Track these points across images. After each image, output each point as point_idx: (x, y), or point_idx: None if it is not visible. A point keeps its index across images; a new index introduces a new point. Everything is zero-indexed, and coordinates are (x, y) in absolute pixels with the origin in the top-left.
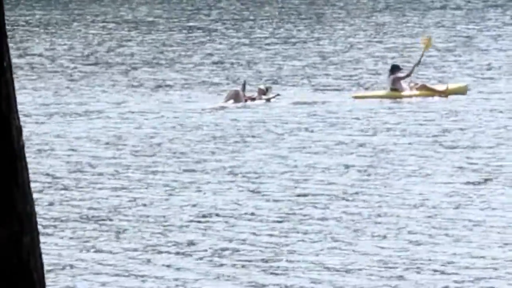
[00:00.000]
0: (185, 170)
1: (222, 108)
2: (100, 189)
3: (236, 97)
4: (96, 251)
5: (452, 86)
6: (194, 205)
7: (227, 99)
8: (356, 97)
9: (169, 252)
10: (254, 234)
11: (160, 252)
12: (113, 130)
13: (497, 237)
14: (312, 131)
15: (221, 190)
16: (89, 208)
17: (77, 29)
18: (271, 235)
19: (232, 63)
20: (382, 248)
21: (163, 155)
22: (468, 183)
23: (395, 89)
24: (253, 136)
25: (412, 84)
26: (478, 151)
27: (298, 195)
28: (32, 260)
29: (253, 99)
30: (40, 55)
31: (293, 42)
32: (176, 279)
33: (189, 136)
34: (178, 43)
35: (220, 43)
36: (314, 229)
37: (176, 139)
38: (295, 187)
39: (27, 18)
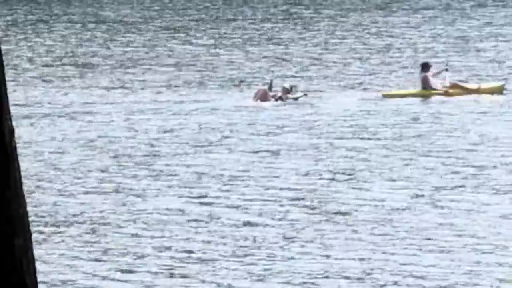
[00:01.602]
0: (156, 174)
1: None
2: (71, 193)
3: (263, 96)
4: (69, 255)
5: (486, 85)
6: (167, 209)
7: (256, 99)
8: (386, 96)
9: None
10: (225, 237)
11: (130, 256)
12: (92, 132)
13: (475, 242)
14: (288, 134)
15: (195, 194)
16: (61, 212)
17: (53, 29)
18: (243, 240)
19: (211, 64)
20: (355, 254)
21: (142, 158)
22: (447, 188)
23: (426, 87)
24: (227, 138)
25: (444, 82)
26: (460, 155)
27: (270, 200)
28: (25, 262)
29: (280, 98)
30: (18, 56)
31: (278, 42)
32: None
33: (171, 138)
34: (158, 44)
35: (199, 44)
36: (285, 234)
37: (151, 142)
38: (267, 192)
39: (4, 18)
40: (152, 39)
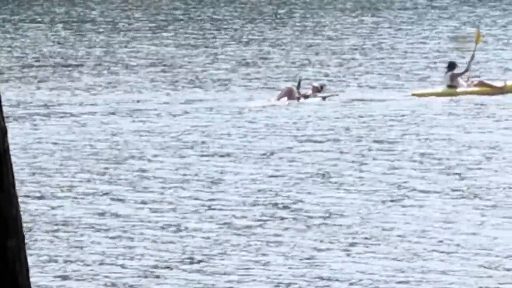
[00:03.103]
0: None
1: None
2: (48, 197)
3: (289, 94)
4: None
5: (510, 82)
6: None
7: (281, 96)
8: (415, 95)
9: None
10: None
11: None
12: (70, 134)
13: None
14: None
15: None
16: (43, 216)
17: (30, 29)
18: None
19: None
20: (323, 259)
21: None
22: (422, 193)
23: (452, 86)
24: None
25: (469, 82)
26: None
27: (239, 204)
28: (18, 263)
29: (307, 96)
30: None
31: (259, 43)
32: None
33: (149, 140)
34: (137, 44)
35: (178, 44)
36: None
37: (127, 144)
38: (238, 196)
39: None
40: (131, 39)
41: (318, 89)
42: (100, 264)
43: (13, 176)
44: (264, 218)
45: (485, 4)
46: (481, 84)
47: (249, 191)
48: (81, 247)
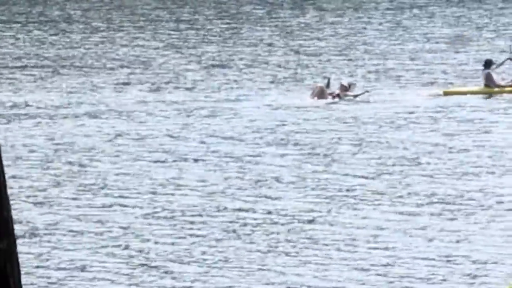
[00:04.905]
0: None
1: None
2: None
3: (321, 93)
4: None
5: None
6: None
7: (313, 96)
8: (446, 93)
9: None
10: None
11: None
12: (51, 136)
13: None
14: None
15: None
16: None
17: (8, 30)
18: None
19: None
20: (275, 267)
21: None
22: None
23: (488, 85)
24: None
25: (507, 81)
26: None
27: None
28: (9, 265)
29: (337, 95)
30: None
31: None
32: None
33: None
34: (114, 44)
35: (146, 46)
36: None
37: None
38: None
39: None
40: (108, 40)
41: (346, 88)
42: (71, 267)
43: (4, 178)
44: (224, 223)
45: (480, 5)
46: None
47: (209, 196)
48: (52, 250)
